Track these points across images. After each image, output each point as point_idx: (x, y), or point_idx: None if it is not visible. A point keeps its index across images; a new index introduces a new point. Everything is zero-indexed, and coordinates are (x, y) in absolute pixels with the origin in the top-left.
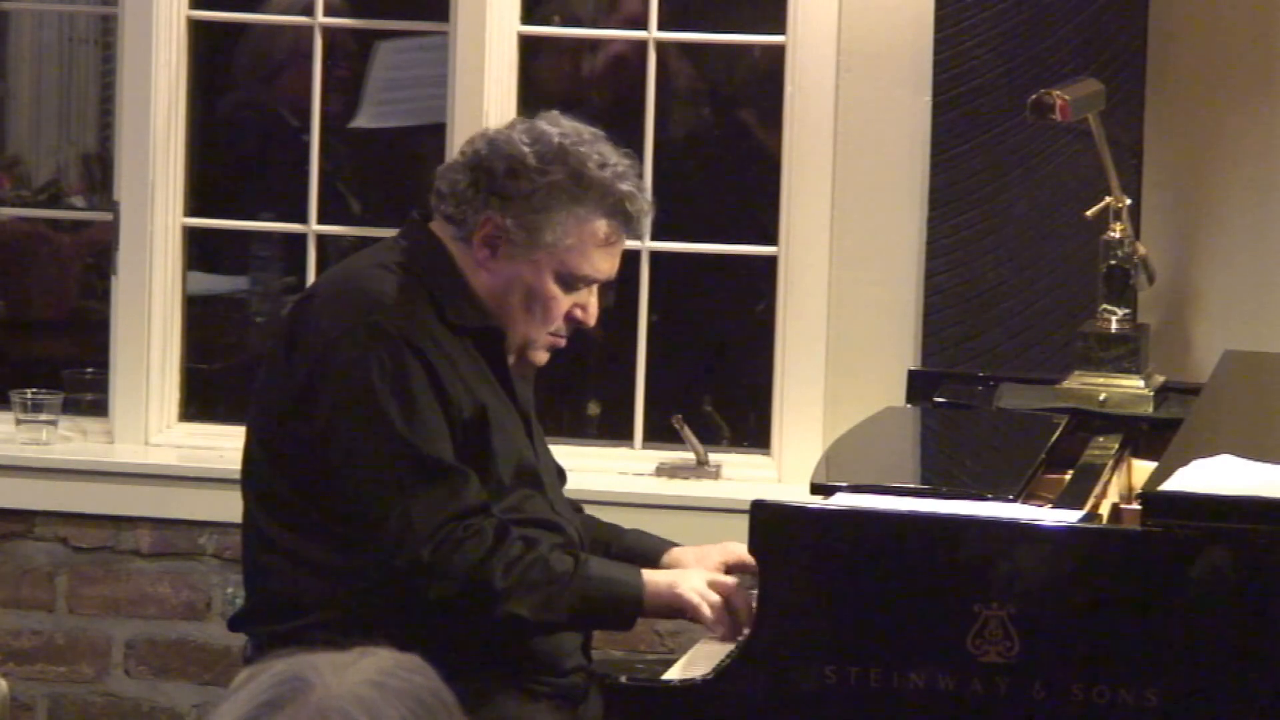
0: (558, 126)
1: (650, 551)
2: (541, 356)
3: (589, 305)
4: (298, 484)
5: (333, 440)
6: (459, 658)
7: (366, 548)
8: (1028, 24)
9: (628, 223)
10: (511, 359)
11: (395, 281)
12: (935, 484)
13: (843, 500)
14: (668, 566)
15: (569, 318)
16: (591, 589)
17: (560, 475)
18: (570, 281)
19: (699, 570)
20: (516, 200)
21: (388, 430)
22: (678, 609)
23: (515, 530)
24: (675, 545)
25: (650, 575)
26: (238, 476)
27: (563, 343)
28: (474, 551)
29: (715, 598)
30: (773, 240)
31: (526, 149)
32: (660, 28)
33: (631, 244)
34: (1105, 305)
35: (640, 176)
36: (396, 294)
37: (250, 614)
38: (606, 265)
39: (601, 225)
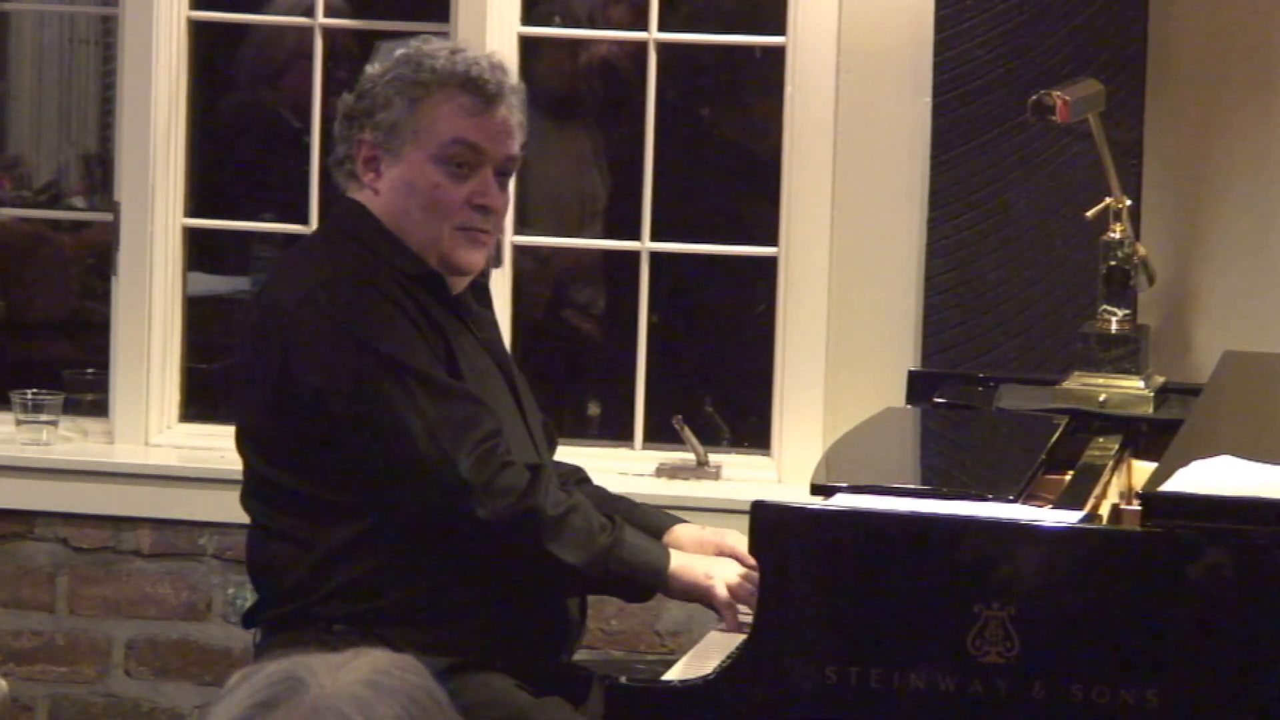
0: (407, 45)
1: (654, 527)
2: (467, 257)
3: (488, 190)
4: (301, 470)
5: (331, 395)
6: (460, 648)
7: (401, 483)
8: (1028, 24)
9: (482, 91)
10: (452, 283)
11: (333, 245)
12: (935, 484)
13: (843, 501)
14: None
15: (472, 206)
16: (624, 552)
17: (551, 442)
18: (448, 161)
19: (730, 561)
20: (371, 113)
21: (381, 358)
22: (704, 598)
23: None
24: (680, 521)
25: (683, 557)
26: (238, 477)
27: (485, 236)
28: (518, 476)
29: (748, 588)
30: (773, 240)
31: (374, 70)
32: (660, 28)
33: (631, 244)
34: (1105, 306)
35: (500, 62)
36: (340, 255)
37: (263, 607)
38: (481, 137)
39: (453, 98)
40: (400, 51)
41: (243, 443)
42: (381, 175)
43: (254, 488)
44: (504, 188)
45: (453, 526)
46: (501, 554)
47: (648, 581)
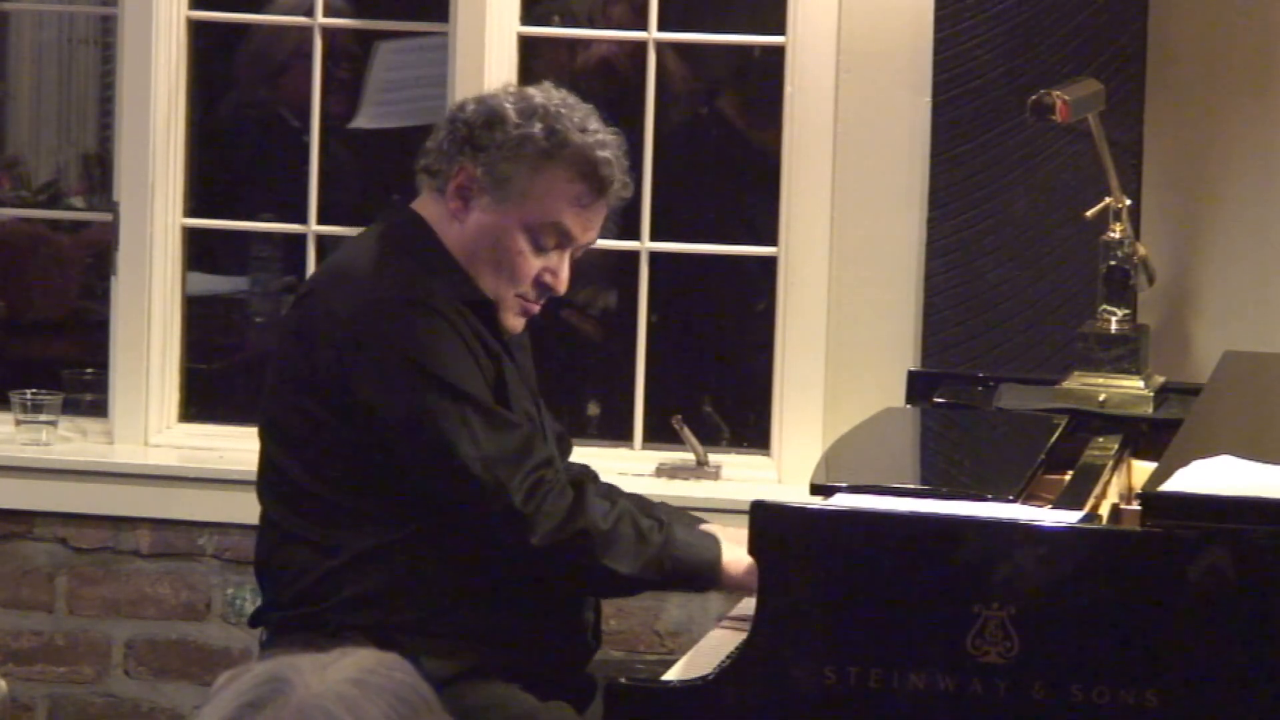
0: (545, 93)
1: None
2: (513, 322)
3: (559, 270)
4: (332, 477)
5: (388, 416)
6: (467, 652)
7: (453, 509)
8: (1028, 24)
9: (600, 187)
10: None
11: (390, 258)
12: (935, 484)
13: (843, 501)
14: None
15: (538, 283)
16: (678, 549)
17: (565, 453)
18: (539, 238)
19: None
20: (489, 150)
21: (440, 385)
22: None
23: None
24: (701, 522)
25: (731, 550)
26: (238, 477)
27: (534, 309)
28: (564, 498)
29: None
30: (773, 240)
31: (509, 106)
32: (660, 28)
33: (631, 244)
34: (1105, 305)
35: (624, 152)
36: (396, 268)
37: (271, 607)
38: (578, 228)
39: (573, 184)
40: (538, 99)
41: (268, 435)
42: (469, 210)
43: (272, 481)
44: (570, 266)
45: (507, 553)
46: (557, 574)
47: (702, 576)
